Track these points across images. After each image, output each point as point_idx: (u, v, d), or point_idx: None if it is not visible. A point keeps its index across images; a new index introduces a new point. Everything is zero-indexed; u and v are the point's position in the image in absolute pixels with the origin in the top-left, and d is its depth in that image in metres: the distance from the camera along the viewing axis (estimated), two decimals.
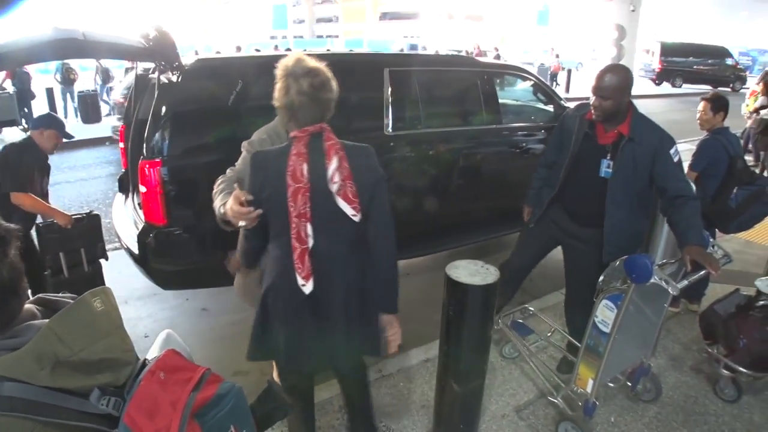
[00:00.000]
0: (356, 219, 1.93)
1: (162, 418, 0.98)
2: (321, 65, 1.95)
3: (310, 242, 1.92)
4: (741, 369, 3.13)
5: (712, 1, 29.93)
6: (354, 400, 2.53)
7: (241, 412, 1.09)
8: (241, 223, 1.94)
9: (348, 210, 1.91)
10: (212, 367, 1.22)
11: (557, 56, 24.33)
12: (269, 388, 1.21)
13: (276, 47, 19.45)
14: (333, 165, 1.89)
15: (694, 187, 2.82)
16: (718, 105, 3.99)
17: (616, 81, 2.69)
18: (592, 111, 2.80)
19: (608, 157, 2.83)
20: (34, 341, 0.92)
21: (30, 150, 3.74)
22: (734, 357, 3.17)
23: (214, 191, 2.32)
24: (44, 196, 3.85)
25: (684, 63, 26.39)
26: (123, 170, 4.68)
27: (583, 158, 2.94)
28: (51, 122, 3.84)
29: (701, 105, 4.04)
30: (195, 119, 3.51)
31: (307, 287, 1.95)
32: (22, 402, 0.89)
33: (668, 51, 26.05)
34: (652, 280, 2.37)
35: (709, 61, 26.38)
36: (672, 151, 2.71)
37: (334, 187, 1.89)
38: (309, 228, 1.91)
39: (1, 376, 0.89)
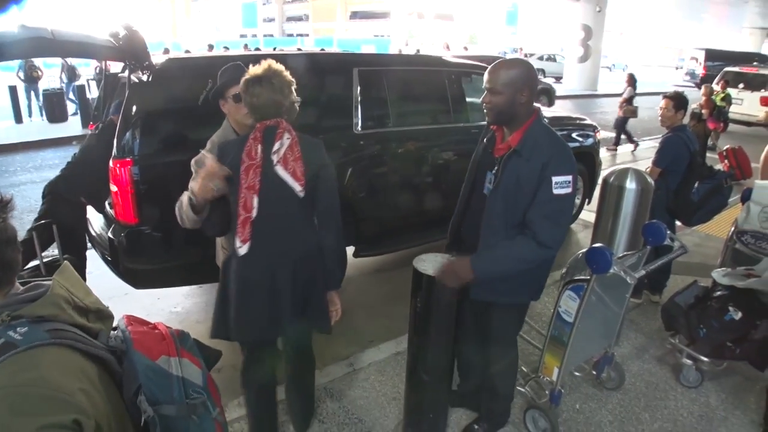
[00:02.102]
0: (301, 195, 2.21)
1: (161, 344, 1.17)
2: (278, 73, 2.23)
3: (254, 212, 2.19)
4: (702, 358, 3.28)
5: (675, 2, 30.59)
6: (298, 378, 2.75)
7: (197, 350, 1.29)
8: (217, 186, 2.13)
9: (294, 185, 2.19)
10: None
11: (526, 56, 24.66)
12: (195, 342, 1.35)
13: (245, 46, 19.30)
14: (278, 143, 2.19)
15: (557, 236, 2.28)
16: (680, 103, 4.13)
17: (509, 74, 2.22)
18: (485, 110, 2.34)
19: (494, 171, 2.36)
20: (53, 288, 1.06)
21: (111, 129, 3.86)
22: (695, 346, 3.31)
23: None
24: None
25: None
26: None
27: (479, 173, 2.51)
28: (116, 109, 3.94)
29: (663, 102, 4.18)
30: (165, 118, 3.52)
31: (242, 249, 2.23)
32: (63, 333, 1.02)
33: (712, 57, 26.58)
34: (611, 271, 2.48)
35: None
36: (558, 179, 2.17)
37: (274, 158, 2.17)
38: (255, 199, 2.18)
39: (40, 315, 1.02)
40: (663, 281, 4.42)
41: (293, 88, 2.28)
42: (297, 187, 2.19)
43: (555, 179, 2.16)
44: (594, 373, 3.27)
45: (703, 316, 3.27)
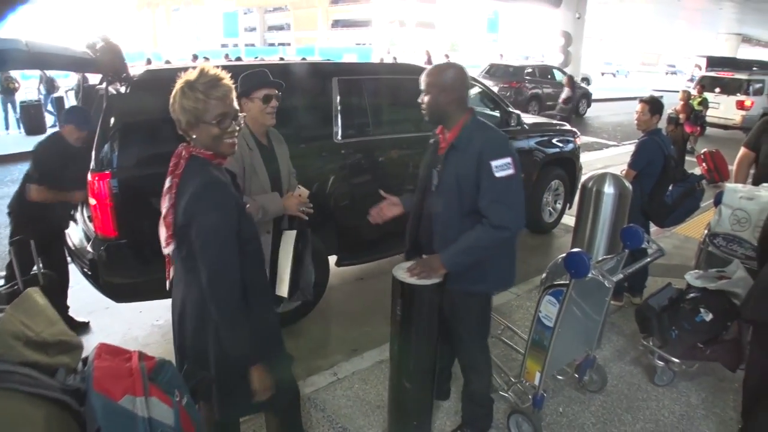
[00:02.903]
0: (165, 250, 1.91)
1: (126, 382, 1.11)
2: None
3: (168, 250, 1.93)
4: (674, 359, 3.31)
5: (654, 9, 31.03)
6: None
7: (179, 380, 1.23)
8: None
9: (162, 237, 1.89)
10: None
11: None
12: (186, 369, 1.30)
13: (227, 56, 19.24)
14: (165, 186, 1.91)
15: (510, 216, 2.30)
16: (655, 107, 4.20)
17: (434, 76, 2.39)
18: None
19: (438, 168, 2.48)
20: (2, 324, 1.00)
21: (56, 144, 3.82)
22: (667, 348, 3.34)
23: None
24: (79, 183, 3.66)
25: None
26: None
27: (428, 172, 2.59)
28: (67, 118, 3.89)
29: (639, 107, 4.25)
30: (144, 130, 3.50)
31: (167, 285, 2.09)
32: (8, 374, 0.96)
33: (714, 64, 26.93)
34: (590, 275, 2.50)
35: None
36: (496, 162, 2.24)
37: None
38: (163, 232, 1.91)
39: None
40: (642, 283, 4.48)
41: (215, 106, 1.84)
42: (163, 240, 1.90)
43: (493, 163, 2.24)
44: (576, 376, 3.29)
45: (675, 318, 3.29)
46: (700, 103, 11.80)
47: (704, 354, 3.22)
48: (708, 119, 13.12)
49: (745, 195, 3.58)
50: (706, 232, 3.84)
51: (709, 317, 3.17)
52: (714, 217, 3.79)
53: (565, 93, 11.98)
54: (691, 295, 3.36)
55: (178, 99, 1.84)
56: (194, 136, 1.89)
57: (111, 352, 1.19)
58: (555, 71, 19.40)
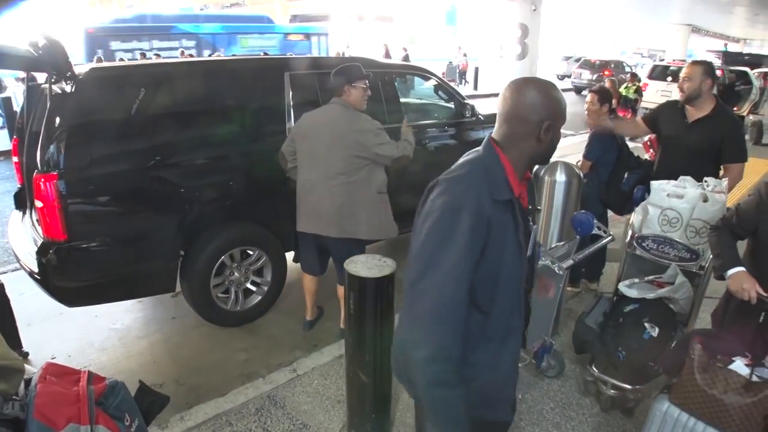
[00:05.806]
0: None
1: (70, 409, 1.05)
2: None
3: None
4: (627, 386, 2.88)
5: (607, 1, 31.55)
6: None
7: (130, 403, 1.18)
8: None
9: None
10: (125, 382, 1.26)
11: (465, 55, 25.02)
12: (141, 386, 1.26)
13: (182, 52, 18.92)
14: None
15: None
16: (603, 97, 4.29)
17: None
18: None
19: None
20: None
21: None
22: (617, 373, 2.92)
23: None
24: None
25: None
26: (18, 186, 4.48)
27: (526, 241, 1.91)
28: None
29: (589, 97, 4.34)
30: (92, 130, 3.42)
31: None
32: None
33: (728, 56, 27.31)
34: (540, 263, 2.54)
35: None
36: None
37: None
38: None
39: None
40: (599, 269, 4.56)
41: None
42: None
43: None
44: (534, 362, 3.34)
45: (620, 338, 2.95)
46: (635, 91, 12.31)
47: (657, 372, 2.80)
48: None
49: (672, 193, 3.13)
50: (630, 233, 3.37)
51: (656, 332, 2.89)
52: (636, 217, 3.33)
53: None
54: (629, 307, 3.07)
55: None
56: None
57: (58, 374, 1.12)
58: (624, 64, 26.10)
